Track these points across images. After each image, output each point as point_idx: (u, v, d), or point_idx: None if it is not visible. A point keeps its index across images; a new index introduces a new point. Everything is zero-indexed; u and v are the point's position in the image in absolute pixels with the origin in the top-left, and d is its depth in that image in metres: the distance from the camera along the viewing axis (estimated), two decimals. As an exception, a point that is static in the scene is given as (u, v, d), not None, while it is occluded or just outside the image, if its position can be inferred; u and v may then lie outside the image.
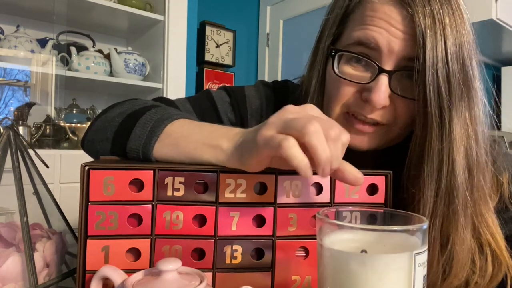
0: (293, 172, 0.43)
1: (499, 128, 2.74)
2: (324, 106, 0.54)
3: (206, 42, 2.57)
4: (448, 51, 0.44)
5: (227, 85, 0.78)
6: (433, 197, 0.45)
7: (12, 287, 0.44)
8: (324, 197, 0.44)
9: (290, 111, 0.37)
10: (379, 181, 0.45)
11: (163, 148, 0.44)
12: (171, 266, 0.35)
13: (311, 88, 0.55)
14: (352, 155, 0.56)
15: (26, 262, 0.43)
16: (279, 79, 0.72)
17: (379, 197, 0.45)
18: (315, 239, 0.44)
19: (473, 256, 0.46)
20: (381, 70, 0.47)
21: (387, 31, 0.46)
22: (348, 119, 0.51)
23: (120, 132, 0.47)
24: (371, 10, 0.47)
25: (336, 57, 0.50)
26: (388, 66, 0.47)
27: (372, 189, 0.45)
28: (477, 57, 0.48)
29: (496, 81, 2.91)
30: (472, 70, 0.46)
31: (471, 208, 0.45)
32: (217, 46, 2.64)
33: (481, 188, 0.46)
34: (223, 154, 0.40)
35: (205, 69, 2.58)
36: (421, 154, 0.46)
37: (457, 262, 0.44)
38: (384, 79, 0.47)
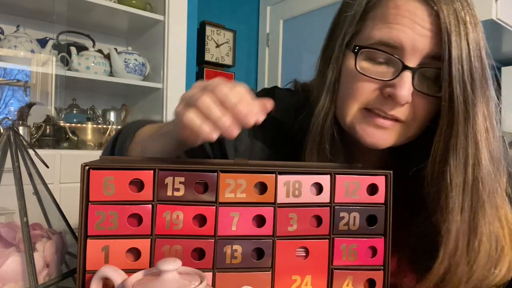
0: (293, 172, 0.43)
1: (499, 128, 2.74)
2: (338, 103, 0.54)
3: (206, 42, 2.57)
4: (470, 48, 0.45)
5: None
6: (461, 192, 0.46)
7: (12, 287, 0.44)
8: (324, 197, 0.44)
9: (195, 86, 0.42)
10: (379, 181, 0.45)
11: (133, 145, 0.57)
12: (171, 266, 0.35)
13: (326, 84, 0.54)
14: (358, 154, 0.56)
15: (26, 262, 0.43)
16: (279, 79, 0.71)
17: (379, 197, 0.45)
18: (315, 239, 0.44)
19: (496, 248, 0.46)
20: (405, 67, 0.47)
21: (411, 29, 0.46)
22: (368, 114, 0.51)
23: (111, 144, 0.62)
24: (394, 7, 0.47)
25: (358, 55, 0.50)
26: (412, 63, 0.47)
27: (372, 189, 0.45)
28: (489, 56, 0.49)
29: (496, 81, 2.91)
30: (488, 68, 0.48)
31: (494, 200, 0.46)
32: (217, 46, 2.64)
33: (500, 181, 0.48)
34: (164, 138, 0.48)
35: (205, 69, 2.58)
36: (446, 149, 0.47)
37: (484, 255, 0.45)
38: (408, 76, 0.47)
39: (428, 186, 0.49)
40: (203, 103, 0.38)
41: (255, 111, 0.39)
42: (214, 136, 0.38)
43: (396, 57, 0.47)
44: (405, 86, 0.47)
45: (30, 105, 1.72)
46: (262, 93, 0.71)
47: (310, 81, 0.66)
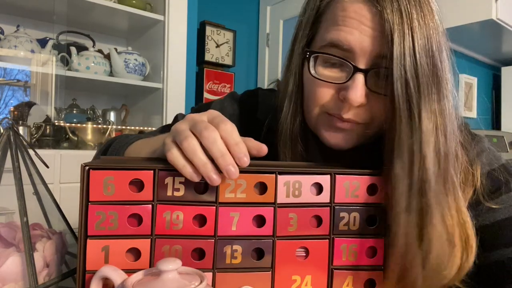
0: (293, 172, 0.43)
1: (499, 128, 2.74)
2: (304, 107, 0.55)
3: (206, 42, 2.57)
4: (416, 44, 0.44)
5: (199, 104, 0.80)
6: (406, 192, 0.44)
7: (12, 287, 0.44)
8: (324, 197, 0.44)
9: (187, 119, 0.42)
10: (379, 181, 0.45)
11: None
12: (171, 266, 0.35)
13: (288, 91, 0.55)
14: (331, 153, 0.56)
15: (26, 262, 0.43)
16: (279, 79, 0.71)
17: (379, 197, 0.45)
18: (315, 239, 0.44)
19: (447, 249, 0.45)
20: (356, 69, 0.47)
21: (358, 31, 0.46)
22: (329, 118, 0.51)
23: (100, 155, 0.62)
24: (341, 9, 0.48)
25: (312, 59, 0.50)
26: (363, 64, 0.47)
27: (372, 189, 0.45)
28: (448, 49, 0.48)
29: (496, 81, 2.91)
30: (442, 62, 0.46)
31: (444, 201, 0.45)
32: (217, 46, 2.64)
33: (451, 181, 0.46)
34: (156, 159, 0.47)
35: (205, 69, 2.58)
36: (391, 149, 0.46)
37: (434, 257, 0.44)
38: (360, 78, 0.47)
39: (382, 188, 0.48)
40: (188, 145, 0.38)
41: (243, 158, 0.39)
42: (196, 179, 0.39)
43: (346, 60, 0.48)
44: (358, 87, 0.47)
45: (30, 105, 1.72)
46: (246, 96, 0.71)
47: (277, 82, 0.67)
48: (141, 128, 1.95)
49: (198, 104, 0.73)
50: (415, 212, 0.44)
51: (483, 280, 0.50)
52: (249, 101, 0.70)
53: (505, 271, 0.49)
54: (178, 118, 0.73)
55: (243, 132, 0.68)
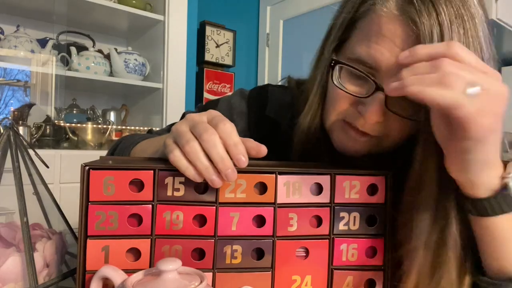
0: (293, 172, 0.43)
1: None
2: (324, 109, 0.55)
3: (206, 42, 2.57)
4: None
5: (209, 101, 0.77)
6: (429, 226, 0.43)
7: (12, 287, 0.44)
8: (324, 197, 0.44)
9: (187, 119, 0.42)
10: (379, 181, 0.45)
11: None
12: (171, 266, 0.35)
13: (312, 91, 0.55)
14: (340, 159, 0.56)
15: (26, 262, 0.43)
16: (279, 79, 0.71)
17: (379, 197, 0.45)
18: (315, 239, 0.44)
19: None
20: (378, 88, 0.46)
21: (389, 52, 0.45)
22: (344, 125, 0.51)
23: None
24: (377, 24, 0.46)
25: (337, 68, 0.50)
26: (386, 85, 0.46)
27: (372, 189, 0.45)
28: (493, 56, 0.48)
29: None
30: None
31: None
32: (217, 46, 2.64)
33: None
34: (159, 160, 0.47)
35: (205, 69, 2.58)
36: (421, 181, 0.45)
37: None
38: (379, 97, 0.46)
39: (398, 212, 0.48)
40: (190, 149, 0.39)
41: (241, 159, 0.39)
42: (198, 180, 0.39)
43: (369, 77, 0.46)
44: (375, 107, 0.46)
45: (30, 105, 1.72)
46: (256, 92, 0.70)
47: (306, 79, 0.66)
48: (141, 128, 1.95)
49: (207, 102, 0.73)
50: (432, 249, 0.44)
51: None
52: (258, 98, 0.69)
53: None
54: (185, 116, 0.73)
55: (251, 130, 0.64)
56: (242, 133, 0.63)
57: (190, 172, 0.39)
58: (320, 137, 0.55)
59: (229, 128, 0.40)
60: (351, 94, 0.48)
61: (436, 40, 0.42)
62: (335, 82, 0.49)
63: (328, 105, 0.53)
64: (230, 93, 0.73)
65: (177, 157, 0.39)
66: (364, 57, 0.46)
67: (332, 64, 0.49)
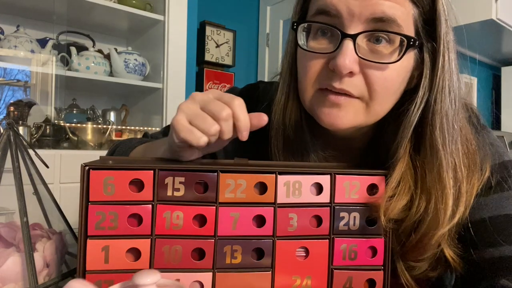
0: (293, 172, 0.43)
1: (499, 128, 2.74)
2: (298, 87, 0.52)
3: (206, 42, 2.57)
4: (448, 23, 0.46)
5: None
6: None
7: (12, 287, 0.44)
8: (324, 197, 0.44)
9: (193, 97, 0.43)
10: (379, 181, 0.45)
11: None
12: (149, 280, 0.32)
13: (282, 74, 0.54)
14: (339, 153, 0.55)
15: (26, 262, 0.43)
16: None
17: (379, 197, 0.45)
18: (315, 239, 0.44)
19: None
20: (344, 35, 0.44)
21: None
22: (322, 94, 0.49)
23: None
24: None
25: (303, 33, 0.49)
26: (352, 30, 0.45)
27: (372, 189, 0.45)
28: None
29: (496, 81, 2.91)
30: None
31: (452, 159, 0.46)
32: (217, 46, 2.64)
33: (456, 144, 0.47)
34: (166, 153, 0.47)
35: (205, 69, 2.58)
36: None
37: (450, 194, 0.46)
38: (348, 43, 0.44)
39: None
40: (215, 131, 0.41)
41: (244, 126, 0.42)
42: (203, 140, 0.40)
43: (332, 26, 0.45)
44: (345, 53, 0.44)
45: (30, 105, 1.72)
46: (246, 89, 0.70)
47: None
48: (141, 128, 1.95)
49: None
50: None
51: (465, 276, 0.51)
52: (249, 95, 0.67)
53: (479, 271, 0.49)
54: (152, 134, 0.75)
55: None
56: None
57: (214, 129, 0.40)
58: (301, 123, 0.54)
59: (237, 101, 0.42)
60: (319, 53, 0.47)
61: None
62: (300, 44, 0.48)
63: (301, 81, 0.51)
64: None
65: (197, 135, 0.40)
66: (322, 6, 0.46)
67: (295, 27, 0.49)
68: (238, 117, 0.41)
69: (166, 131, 0.72)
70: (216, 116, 0.41)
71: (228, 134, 0.42)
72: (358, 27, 0.45)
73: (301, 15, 0.52)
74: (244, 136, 0.42)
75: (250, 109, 0.67)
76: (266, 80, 0.77)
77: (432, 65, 0.47)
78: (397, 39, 0.45)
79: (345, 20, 0.44)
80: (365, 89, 0.47)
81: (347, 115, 0.47)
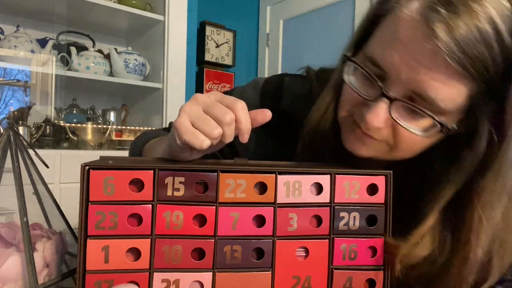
0: (293, 172, 0.43)
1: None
2: (339, 104, 0.52)
3: (206, 42, 2.57)
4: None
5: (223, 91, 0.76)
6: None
7: (12, 287, 0.44)
8: (324, 197, 0.44)
9: (197, 100, 0.43)
10: (379, 181, 0.45)
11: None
12: None
13: (332, 80, 0.53)
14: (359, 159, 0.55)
15: (26, 262, 0.43)
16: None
17: (379, 197, 0.45)
18: (315, 239, 0.44)
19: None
20: (383, 94, 0.44)
21: (400, 58, 0.42)
22: (352, 124, 0.49)
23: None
24: (395, 26, 0.43)
25: (351, 66, 0.48)
26: (392, 92, 0.44)
27: (372, 189, 0.45)
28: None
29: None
30: None
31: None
32: (217, 46, 2.64)
33: None
34: (166, 153, 0.47)
35: (205, 69, 2.58)
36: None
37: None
38: (383, 103, 0.44)
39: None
40: (218, 133, 0.41)
41: (246, 128, 0.42)
42: (206, 144, 0.40)
43: (377, 82, 0.44)
44: (375, 114, 0.44)
45: (30, 105, 1.72)
46: (270, 83, 0.66)
47: (326, 68, 0.63)
48: (141, 128, 1.95)
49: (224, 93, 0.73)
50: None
51: None
52: (272, 89, 0.65)
53: None
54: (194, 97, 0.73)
55: (265, 125, 0.64)
56: (255, 128, 0.62)
57: (206, 144, 0.40)
58: (329, 133, 0.53)
59: (239, 105, 0.42)
60: (358, 93, 0.47)
61: (454, 58, 0.39)
62: (345, 78, 0.48)
63: (342, 99, 0.51)
64: (245, 84, 0.69)
65: (201, 139, 0.40)
66: (377, 58, 0.44)
67: (344, 60, 0.48)
68: (240, 120, 0.42)
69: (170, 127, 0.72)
70: (220, 120, 0.41)
71: (230, 138, 0.42)
72: (399, 91, 0.43)
73: (358, 44, 0.50)
74: (245, 138, 0.42)
75: (270, 107, 0.65)
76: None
77: (496, 122, 0.43)
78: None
79: (390, 81, 0.44)
80: (391, 139, 0.47)
81: (369, 151, 0.49)
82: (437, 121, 0.43)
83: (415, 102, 0.43)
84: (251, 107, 0.64)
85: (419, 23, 0.40)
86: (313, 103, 0.57)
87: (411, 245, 0.45)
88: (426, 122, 0.44)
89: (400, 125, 0.44)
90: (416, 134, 0.44)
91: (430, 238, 0.47)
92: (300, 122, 0.58)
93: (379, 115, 0.44)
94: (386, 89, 0.44)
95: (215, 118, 0.41)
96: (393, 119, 0.44)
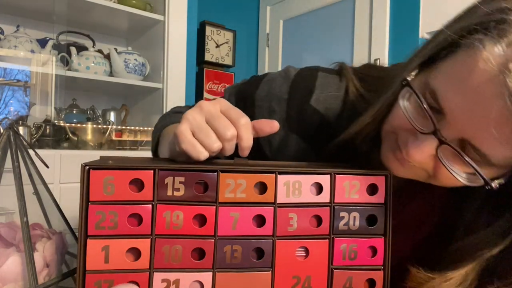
0: (293, 172, 0.43)
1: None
2: (386, 119, 0.49)
3: (206, 42, 2.57)
4: None
5: (239, 85, 0.69)
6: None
7: (12, 287, 0.44)
8: (324, 197, 0.44)
9: (200, 106, 0.43)
10: (379, 181, 0.45)
11: (160, 146, 0.60)
12: None
13: (389, 91, 0.48)
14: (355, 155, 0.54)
15: (26, 262, 0.43)
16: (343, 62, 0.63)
17: (379, 197, 0.45)
18: (315, 239, 0.44)
19: None
20: (435, 133, 0.41)
21: (463, 104, 0.38)
22: (394, 142, 0.47)
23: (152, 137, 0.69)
24: (468, 68, 0.37)
25: (408, 90, 0.44)
26: (445, 133, 0.40)
27: (372, 189, 0.45)
28: None
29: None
30: None
31: None
32: (217, 46, 2.64)
33: None
34: (169, 146, 0.48)
35: (205, 69, 2.58)
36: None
37: None
38: (432, 142, 0.41)
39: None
40: (218, 148, 0.41)
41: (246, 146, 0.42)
42: (203, 156, 0.41)
43: (432, 119, 0.40)
44: (420, 150, 0.42)
45: (29, 105, 1.72)
46: (301, 76, 0.61)
47: (366, 67, 0.60)
48: (141, 128, 1.95)
49: (249, 79, 0.67)
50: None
51: None
52: (303, 84, 0.60)
53: None
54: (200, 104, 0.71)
55: (290, 119, 0.60)
56: (280, 123, 0.57)
57: (204, 156, 0.40)
58: (367, 139, 0.51)
59: (243, 118, 0.42)
60: (409, 121, 0.43)
61: None
62: (400, 104, 0.44)
63: (391, 115, 0.47)
64: (277, 72, 0.65)
65: (198, 150, 0.41)
66: (439, 96, 0.40)
67: (403, 83, 0.44)
68: (241, 137, 0.42)
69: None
70: (221, 135, 0.41)
71: (229, 153, 0.42)
72: (452, 134, 0.40)
73: (429, 56, 0.45)
74: (244, 154, 0.43)
75: (299, 103, 0.59)
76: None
77: None
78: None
79: (446, 121, 0.40)
80: (431, 170, 0.45)
81: (406, 173, 0.47)
82: (482, 177, 0.40)
83: (465, 149, 0.40)
84: (278, 100, 0.61)
85: (496, 77, 0.35)
86: (348, 104, 0.55)
87: (443, 280, 0.45)
88: (471, 169, 0.41)
89: (444, 165, 0.42)
90: (457, 179, 0.42)
91: (461, 278, 0.46)
92: (329, 121, 0.55)
93: (423, 152, 0.42)
94: (440, 127, 0.40)
95: (217, 132, 0.41)
96: (438, 158, 0.42)
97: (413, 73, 0.45)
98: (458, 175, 0.42)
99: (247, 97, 0.64)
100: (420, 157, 0.42)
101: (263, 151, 0.61)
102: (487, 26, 0.36)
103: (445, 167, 0.42)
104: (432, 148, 0.42)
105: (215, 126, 0.41)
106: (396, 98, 0.45)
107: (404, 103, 0.44)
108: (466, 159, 0.40)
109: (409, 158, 0.43)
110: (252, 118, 0.62)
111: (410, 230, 0.56)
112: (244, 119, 0.42)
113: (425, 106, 0.41)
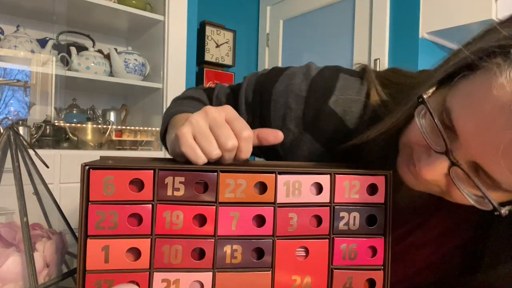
0: (293, 172, 0.43)
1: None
2: (404, 131, 0.48)
3: (206, 42, 2.57)
4: None
5: (258, 76, 0.67)
6: None
7: (12, 287, 0.44)
8: (324, 197, 0.44)
9: (207, 114, 0.43)
10: (379, 181, 0.45)
11: (168, 134, 0.59)
12: None
13: (409, 102, 0.47)
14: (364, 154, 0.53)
15: (26, 262, 0.43)
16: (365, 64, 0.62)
17: (379, 197, 0.45)
18: (315, 239, 0.45)
19: None
20: (447, 154, 0.40)
21: (476, 129, 0.37)
22: (409, 155, 0.46)
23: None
24: (484, 93, 0.36)
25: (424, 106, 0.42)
26: (458, 155, 0.40)
27: (372, 189, 0.45)
28: None
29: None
30: None
31: None
32: (217, 46, 2.64)
33: None
34: (171, 146, 0.49)
35: (205, 69, 2.58)
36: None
37: None
38: (444, 161, 0.40)
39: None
40: (217, 155, 0.42)
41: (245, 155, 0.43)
42: (202, 161, 0.42)
43: (445, 139, 0.40)
44: (431, 169, 0.41)
45: (29, 105, 1.72)
46: (322, 76, 0.59)
47: (391, 71, 0.58)
48: (141, 128, 1.95)
49: (270, 70, 0.65)
50: None
51: None
52: (323, 84, 0.58)
53: None
54: (218, 90, 0.70)
55: (306, 118, 0.59)
56: (295, 121, 0.57)
57: (203, 161, 0.41)
58: (378, 148, 0.50)
59: (244, 129, 0.42)
60: (424, 138, 0.43)
61: None
62: (416, 120, 0.43)
63: (408, 128, 0.46)
64: (298, 67, 0.63)
65: (199, 155, 0.41)
66: (453, 117, 0.39)
67: (419, 100, 0.42)
68: (241, 149, 0.43)
69: (210, 94, 0.70)
70: (222, 144, 0.41)
71: (228, 161, 0.43)
72: (465, 156, 0.40)
73: (450, 73, 0.43)
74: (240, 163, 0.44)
75: (317, 103, 0.58)
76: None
77: None
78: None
79: (459, 143, 0.39)
80: (444, 187, 0.44)
81: (420, 187, 0.46)
82: (491, 203, 0.39)
83: (478, 172, 0.40)
84: (296, 98, 0.60)
85: (508, 107, 0.34)
86: (369, 108, 0.54)
87: None
88: (481, 193, 0.40)
89: (455, 185, 0.41)
90: (468, 200, 0.41)
91: None
92: (346, 124, 0.54)
93: (435, 171, 0.41)
94: (453, 147, 0.40)
95: (218, 140, 0.42)
96: (450, 177, 0.41)
97: (431, 90, 0.44)
98: (469, 196, 0.41)
99: (264, 91, 0.62)
100: (431, 176, 0.42)
101: (276, 149, 0.61)
102: (507, 51, 0.35)
103: (457, 187, 0.41)
104: (444, 168, 0.41)
105: (217, 134, 0.42)
106: (414, 111, 0.44)
107: (420, 120, 0.43)
108: (476, 183, 0.39)
109: (421, 176, 0.43)
110: (267, 112, 0.61)
111: (433, 244, 0.56)
112: (246, 132, 0.42)
113: (439, 126, 0.40)
